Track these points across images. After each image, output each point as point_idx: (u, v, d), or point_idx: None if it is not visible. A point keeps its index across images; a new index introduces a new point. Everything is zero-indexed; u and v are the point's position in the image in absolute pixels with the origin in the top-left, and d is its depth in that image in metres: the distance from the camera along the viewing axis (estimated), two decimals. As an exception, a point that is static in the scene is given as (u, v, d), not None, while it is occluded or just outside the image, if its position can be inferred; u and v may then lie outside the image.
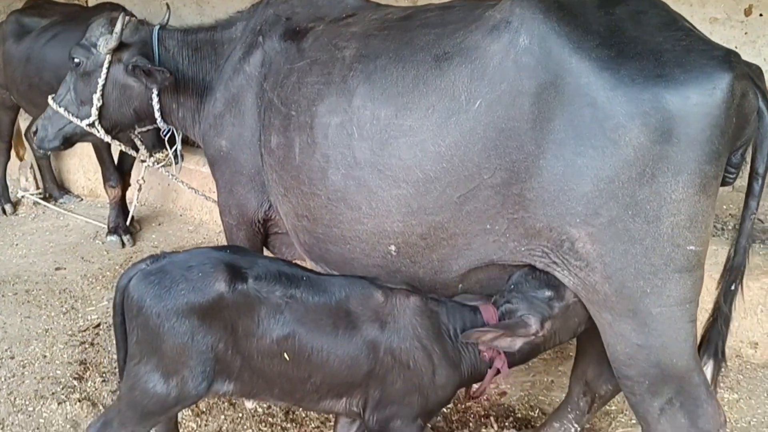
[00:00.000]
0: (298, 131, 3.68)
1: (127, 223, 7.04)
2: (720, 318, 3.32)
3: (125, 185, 7.02)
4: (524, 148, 3.06)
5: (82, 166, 8.46)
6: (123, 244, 6.92)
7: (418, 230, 3.38)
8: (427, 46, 3.37)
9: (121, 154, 7.08)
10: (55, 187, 8.31)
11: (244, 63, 4.18)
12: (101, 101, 4.66)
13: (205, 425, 4.46)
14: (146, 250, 7.07)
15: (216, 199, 4.64)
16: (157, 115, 4.65)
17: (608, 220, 2.97)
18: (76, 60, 4.73)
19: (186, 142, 5.23)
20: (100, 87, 4.64)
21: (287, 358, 3.15)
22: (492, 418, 4.60)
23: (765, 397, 4.81)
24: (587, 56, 2.94)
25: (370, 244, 3.56)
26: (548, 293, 3.25)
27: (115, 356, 4.79)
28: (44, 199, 8.18)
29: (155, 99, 4.61)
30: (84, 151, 7.94)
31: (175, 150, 5.03)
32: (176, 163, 5.16)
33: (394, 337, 3.23)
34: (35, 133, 4.96)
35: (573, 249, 3.08)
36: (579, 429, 4.13)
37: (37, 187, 8.32)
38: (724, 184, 3.09)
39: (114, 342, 4.80)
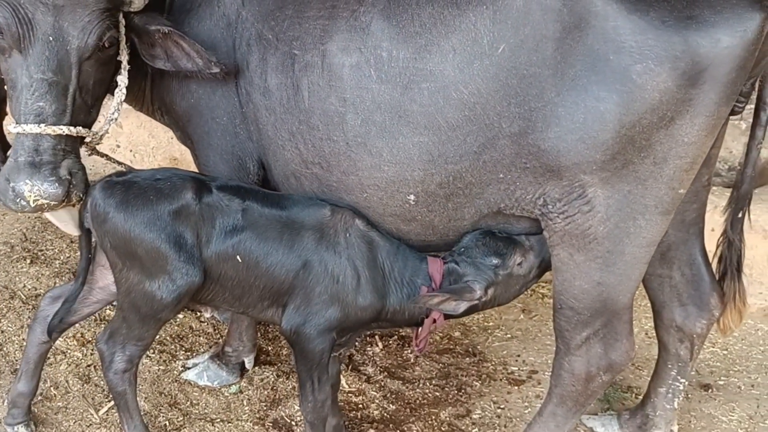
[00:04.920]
0: (306, 72, 3.19)
1: (8, 153, 6.48)
2: (724, 245, 3.29)
3: (2, 113, 6.27)
4: (543, 96, 2.79)
5: (-43, 98, 7.73)
6: None
7: (437, 179, 3.05)
8: None
9: (-1, 82, 6.43)
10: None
11: None
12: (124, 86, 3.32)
13: (91, 354, 4.14)
14: (30, 183, 6.47)
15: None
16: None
17: (623, 163, 2.79)
18: (108, 34, 3.16)
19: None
20: (125, 65, 3.32)
21: (240, 260, 3.10)
22: (377, 337, 4.50)
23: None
24: None
25: (388, 193, 3.17)
26: (495, 261, 3.18)
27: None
28: None
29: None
30: (-41, 80, 7.33)
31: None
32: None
33: (331, 250, 3.17)
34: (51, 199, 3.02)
35: (583, 195, 2.89)
36: None
37: None
38: (732, 113, 2.90)
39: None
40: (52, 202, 3.04)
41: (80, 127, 3.15)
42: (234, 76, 3.37)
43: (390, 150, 3.07)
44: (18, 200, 3.03)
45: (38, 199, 3.01)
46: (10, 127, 3.10)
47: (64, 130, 3.06)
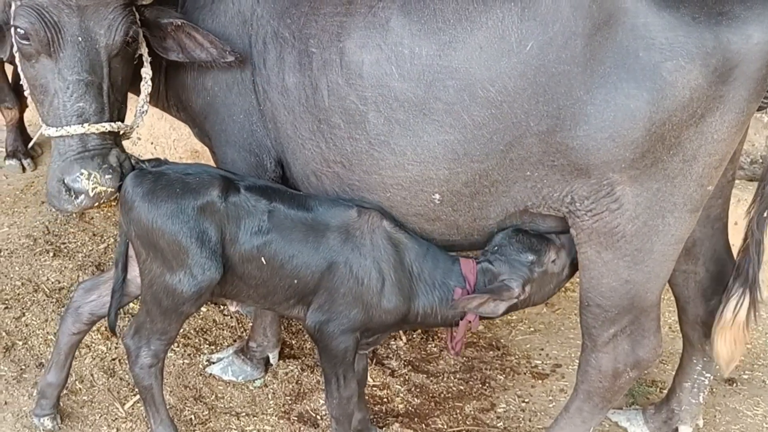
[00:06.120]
0: (324, 70, 3.10)
1: (29, 146, 6.40)
2: (753, 245, 3.13)
3: (23, 106, 5.98)
4: (572, 94, 2.73)
5: (-25, 88, 7.65)
6: (24, 169, 6.02)
7: (462, 178, 2.98)
8: None
9: (16, 73, 6.43)
10: (-55, 111, 7.46)
11: None
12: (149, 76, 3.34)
13: (116, 348, 4.13)
14: (49, 173, 6.45)
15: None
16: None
17: (652, 161, 2.74)
18: (133, 29, 3.16)
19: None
20: (146, 57, 3.31)
21: (264, 262, 3.08)
22: (401, 331, 4.42)
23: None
24: None
25: (412, 192, 3.11)
26: (531, 257, 3.10)
27: (17, 283, 4.57)
28: (-66, 122, 7.34)
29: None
30: (-23, 72, 7.27)
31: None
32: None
33: (356, 251, 3.11)
34: (106, 191, 3.09)
35: (611, 193, 2.84)
36: None
37: (-74, 111, 7.48)
38: (758, 109, 2.85)
39: (15, 269, 4.53)
40: (110, 189, 3.06)
41: (119, 123, 3.17)
42: (251, 74, 3.32)
43: (414, 149, 3.01)
44: (74, 195, 3.05)
45: (96, 187, 3.02)
46: (51, 131, 3.08)
47: (107, 126, 3.07)
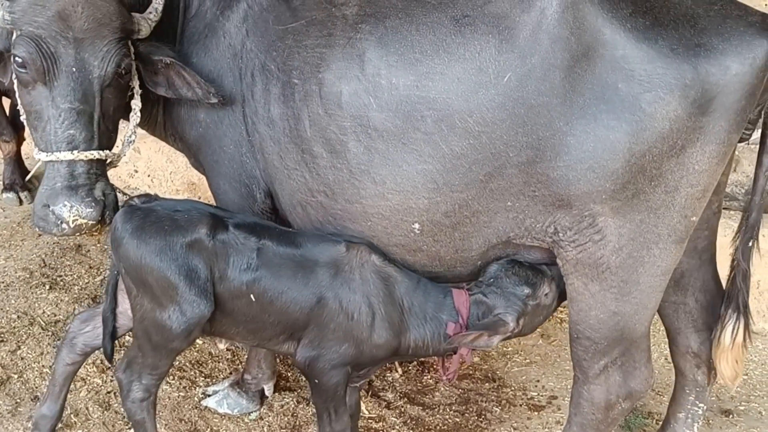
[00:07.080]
0: (305, 101, 3.15)
1: (26, 179, 6.08)
2: (739, 274, 3.14)
3: (20, 139, 6.06)
4: (552, 125, 2.76)
5: (-28, 121, 7.67)
6: (21, 201, 6.04)
7: (443, 208, 3.00)
8: (441, 6, 2.91)
9: (14, 106, 6.49)
10: (-58, 144, 7.48)
11: (224, 19, 3.40)
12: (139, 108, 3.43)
13: (111, 381, 4.10)
14: (46, 206, 6.44)
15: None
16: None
17: (633, 193, 2.77)
18: (125, 61, 3.26)
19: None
20: (137, 90, 3.42)
21: (253, 299, 3.10)
22: (396, 363, 4.43)
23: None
24: (621, 26, 2.65)
25: (393, 222, 3.13)
26: (526, 291, 3.12)
27: (13, 317, 4.56)
28: (-68, 156, 7.35)
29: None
30: (-26, 104, 7.30)
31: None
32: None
33: (345, 286, 3.12)
34: (100, 221, 3.20)
35: (593, 224, 2.86)
36: None
37: (-77, 144, 7.50)
38: (739, 140, 2.87)
39: (11, 302, 4.53)
40: (90, 222, 3.14)
41: (107, 151, 3.25)
42: (240, 106, 3.38)
43: (394, 178, 3.03)
44: (59, 223, 3.13)
45: (77, 219, 3.11)
46: (42, 155, 3.17)
47: (95, 154, 3.16)
